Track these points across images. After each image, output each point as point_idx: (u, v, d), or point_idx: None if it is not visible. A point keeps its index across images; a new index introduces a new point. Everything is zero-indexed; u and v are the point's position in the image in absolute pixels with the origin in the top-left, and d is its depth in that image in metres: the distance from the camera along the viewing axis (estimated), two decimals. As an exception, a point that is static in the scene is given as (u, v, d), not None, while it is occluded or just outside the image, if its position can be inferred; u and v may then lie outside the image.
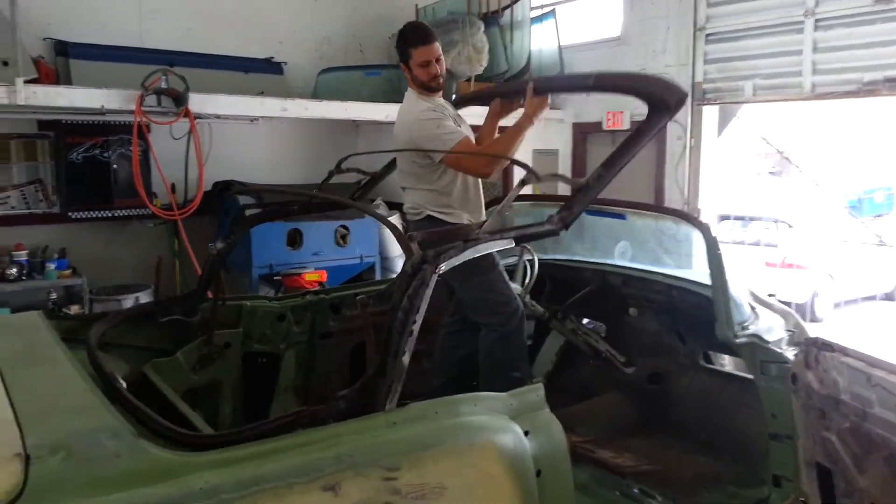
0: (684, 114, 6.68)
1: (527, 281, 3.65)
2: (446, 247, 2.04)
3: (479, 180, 3.38)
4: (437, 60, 3.24)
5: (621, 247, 4.09)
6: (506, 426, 1.98)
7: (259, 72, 7.15)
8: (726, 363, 3.62)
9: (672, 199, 6.78)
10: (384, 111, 6.70)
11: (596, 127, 7.52)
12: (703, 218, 6.63)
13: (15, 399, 1.75)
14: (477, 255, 2.14)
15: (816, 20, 5.70)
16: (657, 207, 3.33)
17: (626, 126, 7.16)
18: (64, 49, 6.07)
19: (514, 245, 2.23)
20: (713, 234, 2.85)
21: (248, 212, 5.73)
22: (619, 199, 3.10)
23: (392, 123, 7.32)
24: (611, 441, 3.37)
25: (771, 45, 6.00)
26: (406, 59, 3.28)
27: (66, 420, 1.68)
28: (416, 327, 1.93)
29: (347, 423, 1.82)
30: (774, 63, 5.98)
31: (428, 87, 3.28)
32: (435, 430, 1.87)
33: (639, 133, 2.39)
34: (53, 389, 1.89)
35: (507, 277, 3.34)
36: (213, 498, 1.51)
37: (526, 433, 2.00)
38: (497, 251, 3.54)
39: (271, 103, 6.09)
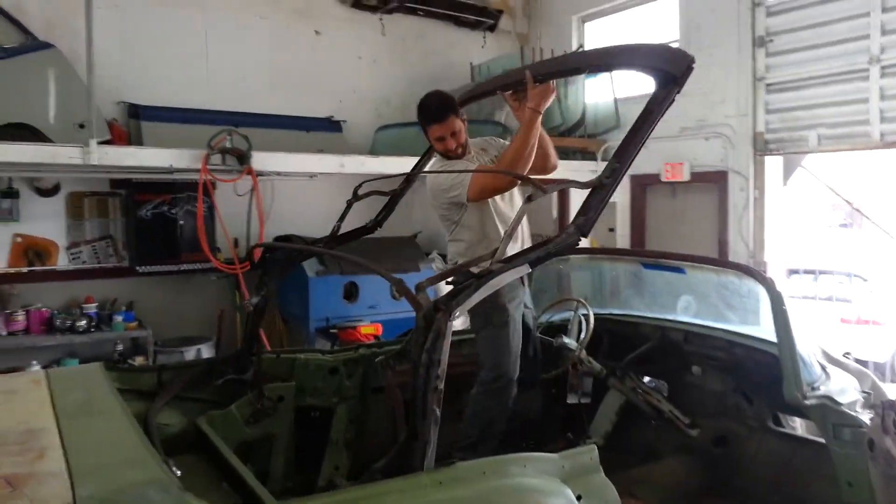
0: (746, 164, 6.55)
1: (582, 336, 3.56)
2: (458, 288, 1.93)
3: (497, 218, 3.36)
4: (453, 135, 3.24)
5: (684, 301, 3.96)
6: (557, 490, 1.90)
7: (319, 130, 7.38)
8: (798, 426, 3.42)
9: (737, 253, 6.59)
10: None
11: (654, 179, 7.43)
12: (770, 272, 6.42)
13: (69, 451, 1.78)
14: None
15: (882, 67, 5.56)
16: (718, 261, 3.23)
17: (686, 177, 7.05)
18: (136, 112, 6.41)
19: (530, 269, 2.08)
20: (777, 288, 2.73)
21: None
22: (678, 253, 3.00)
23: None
24: (675, 507, 3.21)
25: (835, 93, 5.87)
26: (425, 132, 3.36)
27: (116, 473, 1.69)
28: (440, 382, 1.85)
29: (394, 480, 1.77)
30: (839, 112, 5.84)
31: (446, 157, 3.37)
32: (482, 491, 1.80)
33: (648, 114, 2.18)
34: (106, 442, 1.92)
35: (517, 342, 3.29)
36: (254, 558, 1.49)
37: (578, 497, 1.91)
38: (527, 311, 3.53)
39: (330, 160, 6.25)
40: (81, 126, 5.60)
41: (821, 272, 9.99)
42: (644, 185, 7.68)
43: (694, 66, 2.12)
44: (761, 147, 6.43)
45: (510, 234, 2.16)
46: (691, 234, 7.09)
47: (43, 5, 6.07)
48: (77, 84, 5.66)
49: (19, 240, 6.02)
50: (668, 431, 3.77)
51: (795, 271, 9.48)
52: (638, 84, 7.76)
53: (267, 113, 6.95)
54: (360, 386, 3.45)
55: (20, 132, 5.49)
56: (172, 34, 6.75)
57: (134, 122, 6.38)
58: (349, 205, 3.26)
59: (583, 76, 7.80)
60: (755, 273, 2.87)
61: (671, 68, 2.15)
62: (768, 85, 6.38)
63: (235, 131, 5.79)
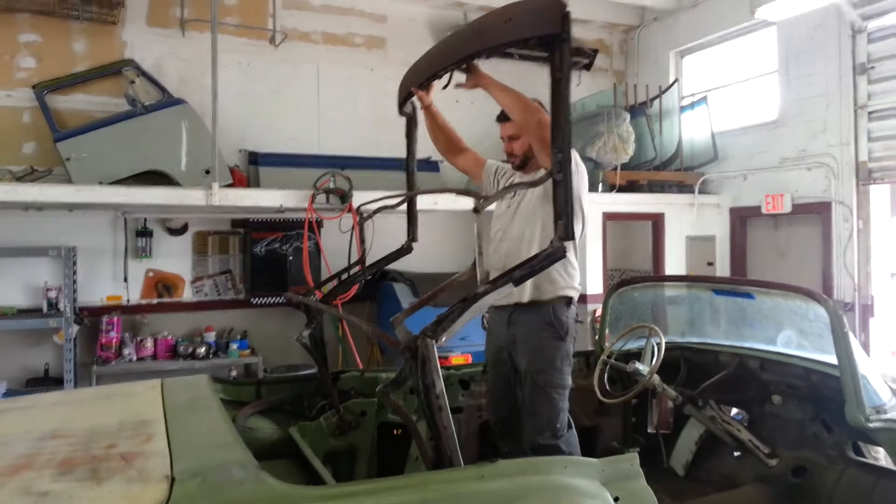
0: (850, 194, 6.34)
1: (654, 362, 3.63)
2: (443, 314, 1.93)
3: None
4: (510, 139, 3.28)
5: (785, 336, 3.92)
6: (595, 491, 2.03)
7: (419, 170, 7.76)
8: (881, 457, 3.31)
9: (842, 286, 6.35)
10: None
11: (755, 211, 7.30)
12: (878, 306, 6.13)
13: (171, 437, 2.12)
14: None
15: None
16: (782, 285, 3.22)
17: (788, 209, 6.89)
18: (255, 158, 7.07)
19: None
20: (838, 312, 2.74)
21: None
22: (742, 279, 3.05)
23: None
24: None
25: (941, 118, 5.62)
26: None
27: (207, 454, 2.01)
28: (442, 402, 1.92)
29: (439, 472, 1.99)
30: (947, 137, 5.58)
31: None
32: (521, 486, 1.97)
33: (556, 84, 1.93)
34: (202, 432, 2.26)
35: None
36: (313, 525, 1.74)
37: (616, 499, 2.03)
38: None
39: (424, 198, 6.61)
40: (207, 172, 6.28)
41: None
42: (744, 218, 7.55)
43: (568, 9, 1.87)
44: (865, 176, 6.21)
45: (479, 251, 2.11)
46: (794, 267, 6.89)
47: (178, 65, 6.88)
48: (204, 134, 6.35)
49: (151, 274, 6.75)
50: (748, 462, 3.74)
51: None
52: (736, 118, 7.70)
53: (371, 156, 7.44)
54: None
55: (155, 178, 6.24)
56: (289, 87, 7.43)
57: (253, 168, 7.04)
58: (355, 227, 3.39)
59: (677, 109, 7.83)
60: (816, 295, 2.88)
61: (549, 29, 1.90)
62: (870, 112, 6.19)
63: (339, 173, 6.27)
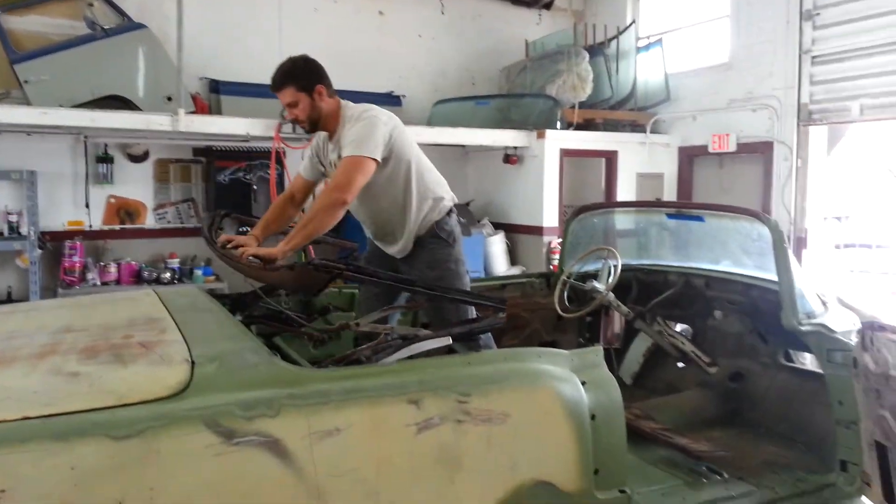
0: (791, 135, 6.74)
1: (610, 281, 3.93)
2: (382, 346, 2.37)
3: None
4: (289, 106, 3.12)
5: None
6: (566, 375, 2.31)
7: (380, 104, 7.76)
8: (807, 362, 3.73)
9: (780, 220, 6.76)
10: (491, 136, 7.21)
11: (702, 150, 7.66)
12: (812, 239, 6.62)
13: (184, 329, 2.30)
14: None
15: (927, 37, 5.67)
16: (729, 207, 3.53)
17: (733, 148, 7.27)
18: (216, 87, 7.04)
19: (450, 342, 2.40)
20: (780, 229, 3.06)
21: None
22: (692, 202, 3.34)
23: (499, 149, 7.79)
24: (689, 431, 3.57)
25: (879, 64, 6.00)
26: None
27: (221, 342, 2.21)
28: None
29: (431, 359, 2.24)
30: (882, 82, 5.98)
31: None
32: (502, 371, 2.24)
33: None
34: (212, 325, 2.44)
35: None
36: (325, 398, 1.97)
37: (583, 383, 2.32)
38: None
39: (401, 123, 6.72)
40: (169, 98, 6.25)
41: (877, 246, 9.95)
42: (692, 157, 7.92)
43: None
44: (805, 118, 6.60)
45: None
46: (736, 203, 7.30)
47: (137, -10, 6.73)
48: (165, 60, 6.30)
49: (113, 200, 6.75)
50: (690, 371, 4.13)
51: (851, 245, 9.52)
52: (689, 60, 7.98)
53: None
54: (411, 322, 3.93)
55: (115, 103, 6.19)
56: (251, 17, 7.34)
57: (214, 97, 7.01)
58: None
59: (634, 50, 8.06)
60: (760, 216, 3.19)
61: None
62: (814, 57, 6.54)
63: (302, 103, 6.31)
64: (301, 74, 3.08)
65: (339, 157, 3.08)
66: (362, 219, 3.42)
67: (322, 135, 3.27)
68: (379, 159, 2.99)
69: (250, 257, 2.63)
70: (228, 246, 2.95)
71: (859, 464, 2.85)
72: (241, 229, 3.53)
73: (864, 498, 2.91)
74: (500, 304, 2.47)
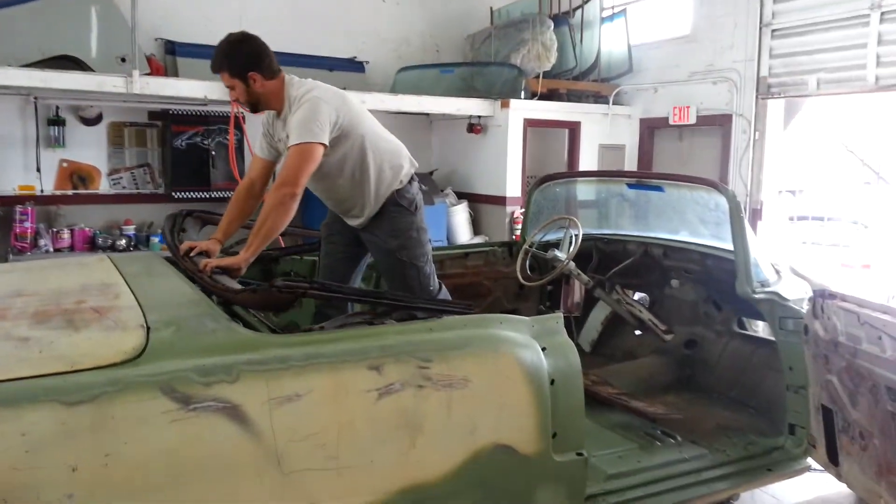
0: (749, 107, 6.83)
1: (571, 250, 3.97)
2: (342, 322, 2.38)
3: None
4: (231, 89, 3.03)
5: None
6: (526, 341, 2.33)
7: (343, 70, 7.75)
8: (760, 329, 3.83)
9: (736, 192, 6.90)
10: (455, 105, 7.16)
11: (663, 122, 7.73)
12: (766, 211, 6.77)
13: (138, 295, 2.25)
14: None
15: (882, 13, 5.77)
16: (688, 177, 3.58)
17: (693, 120, 7.35)
18: (172, 48, 6.84)
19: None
20: (736, 199, 3.12)
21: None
22: (652, 172, 3.37)
23: (463, 118, 7.72)
24: (645, 396, 3.66)
25: (836, 39, 6.09)
26: None
27: (177, 308, 2.16)
28: None
29: (392, 325, 2.23)
30: (839, 57, 6.07)
31: None
32: (464, 336, 2.25)
33: None
34: (168, 291, 2.39)
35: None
36: (284, 363, 1.95)
37: (543, 349, 2.35)
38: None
39: (351, 96, 6.59)
40: (123, 59, 6.05)
41: (829, 219, 10.23)
42: (653, 129, 7.98)
43: None
44: (764, 91, 6.69)
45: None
46: (694, 174, 7.41)
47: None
48: (118, 19, 6.08)
49: (65, 164, 6.53)
50: (647, 339, 4.22)
51: (804, 217, 9.76)
52: (651, 31, 8.00)
53: (294, 52, 7.31)
54: (374, 287, 3.92)
55: (66, 64, 5.96)
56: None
57: (170, 58, 6.80)
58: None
59: (598, 20, 8.04)
60: (718, 186, 3.25)
61: None
62: (774, 31, 6.61)
63: (264, 67, 6.17)
64: (235, 59, 2.95)
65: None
66: (321, 196, 3.37)
67: (271, 113, 3.17)
68: (326, 142, 2.91)
69: (213, 269, 2.55)
70: (192, 254, 2.87)
71: (806, 427, 2.97)
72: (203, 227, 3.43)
73: (809, 459, 3.04)
74: (465, 310, 2.45)
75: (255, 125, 6.50)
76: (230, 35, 3.01)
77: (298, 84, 3.04)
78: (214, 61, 2.98)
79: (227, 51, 2.96)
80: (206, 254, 2.83)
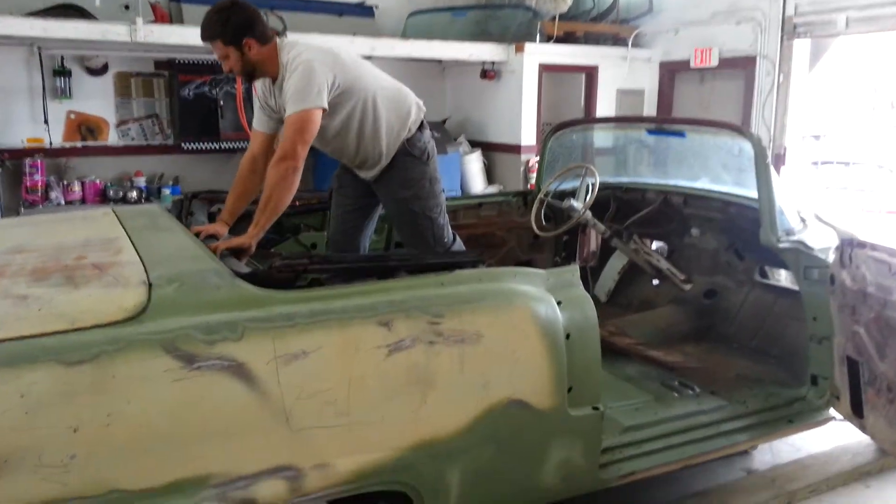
0: (774, 49, 6.57)
1: (588, 199, 3.85)
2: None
3: None
4: (225, 58, 2.87)
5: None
6: (541, 295, 2.26)
7: (352, 15, 7.53)
8: (782, 278, 3.73)
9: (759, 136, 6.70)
10: (468, 50, 6.95)
11: (684, 66, 7.47)
12: (790, 156, 6.57)
13: (141, 250, 2.18)
14: None
15: (918, -55, 5.46)
16: (711, 122, 3.43)
17: (715, 63, 7.09)
18: (177, -6, 6.64)
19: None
20: (762, 144, 2.98)
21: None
22: (673, 117, 3.23)
23: (476, 63, 7.49)
24: (663, 346, 3.59)
25: (867, -26, 5.79)
26: None
27: (181, 263, 2.09)
28: None
29: (402, 279, 2.16)
30: (870, -7, 5.78)
31: None
32: (477, 291, 2.17)
33: None
34: (171, 246, 2.32)
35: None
36: (291, 321, 1.89)
37: (559, 303, 2.27)
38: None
39: (361, 42, 6.44)
40: (126, 7, 5.90)
41: (854, 164, 9.97)
42: (673, 72, 7.71)
43: None
44: (790, 31, 6.41)
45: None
46: (718, 117, 7.19)
47: None
48: (121, -35, 5.91)
49: (73, 116, 6.44)
50: (665, 288, 4.13)
51: (828, 162, 9.53)
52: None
53: (302, -3, 7.12)
54: (386, 239, 3.85)
55: (69, 12, 5.82)
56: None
57: (175, 5, 6.62)
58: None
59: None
60: (743, 130, 3.10)
61: None
62: (802, -33, 6.30)
63: (271, 12, 6.00)
64: (227, 27, 2.78)
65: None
66: (333, 155, 3.27)
67: (266, 82, 3.02)
68: (325, 105, 2.80)
69: (223, 252, 2.47)
70: (200, 238, 2.79)
71: (829, 378, 2.89)
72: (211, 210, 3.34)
73: (832, 410, 2.97)
74: (475, 263, 2.36)
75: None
76: (219, 2, 2.83)
77: (289, 47, 2.90)
78: (205, 31, 2.82)
79: (218, 18, 2.80)
80: (214, 237, 2.75)
